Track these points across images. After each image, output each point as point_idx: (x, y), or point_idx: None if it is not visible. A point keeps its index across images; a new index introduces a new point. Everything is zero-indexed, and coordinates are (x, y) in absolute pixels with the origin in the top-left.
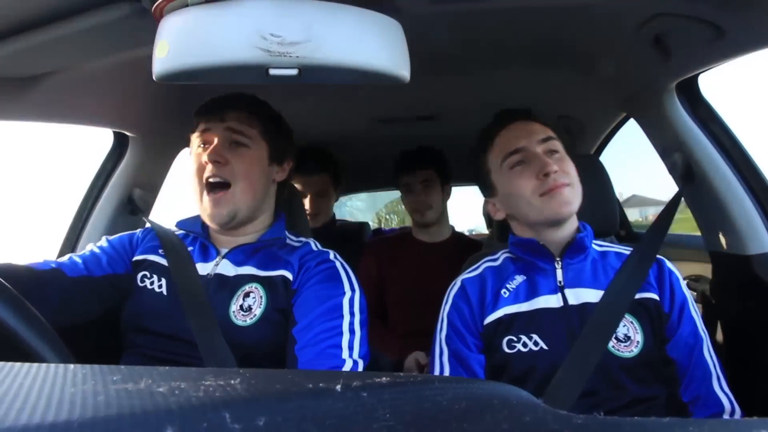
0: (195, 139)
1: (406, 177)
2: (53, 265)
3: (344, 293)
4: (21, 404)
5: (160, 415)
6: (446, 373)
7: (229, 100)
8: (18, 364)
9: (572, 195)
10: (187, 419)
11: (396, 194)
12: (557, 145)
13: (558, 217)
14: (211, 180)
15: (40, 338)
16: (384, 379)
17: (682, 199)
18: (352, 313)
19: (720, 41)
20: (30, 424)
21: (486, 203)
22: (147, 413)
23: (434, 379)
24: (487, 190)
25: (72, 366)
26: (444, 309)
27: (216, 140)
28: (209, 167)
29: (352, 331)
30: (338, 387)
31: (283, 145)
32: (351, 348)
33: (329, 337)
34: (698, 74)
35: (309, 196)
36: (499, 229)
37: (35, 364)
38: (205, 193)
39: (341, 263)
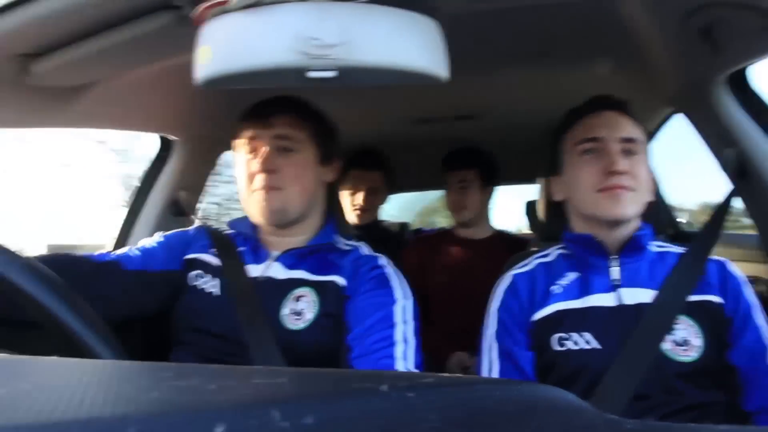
0: (242, 145)
1: (446, 175)
2: (112, 257)
3: (396, 300)
4: (80, 399)
5: (211, 412)
6: (495, 369)
7: (275, 104)
8: (73, 360)
9: (632, 200)
10: (237, 416)
11: (432, 196)
12: (639, 148)
13: (609, 217)
14: (264, 188)
15: (96, 335)
16: (430, 380)
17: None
18: (405, 321)
19: None
20: (91, 417)
21: (548, 183)
22: (198, 410)
23: (481, 381)
24: (555, 168)
25: (125, 362)
26: (493, 304)
27: (265, 148)
28: (260, 176)
29: (405, 341)
30: (384, 387)
31: (331, 145)
32: (405, 358)
33: (383, 347)
34: (749, 65)
35: (362, 192)
36: (544, 230)
37: (90, 360)
38: (258, 192)
39: (393, 269)
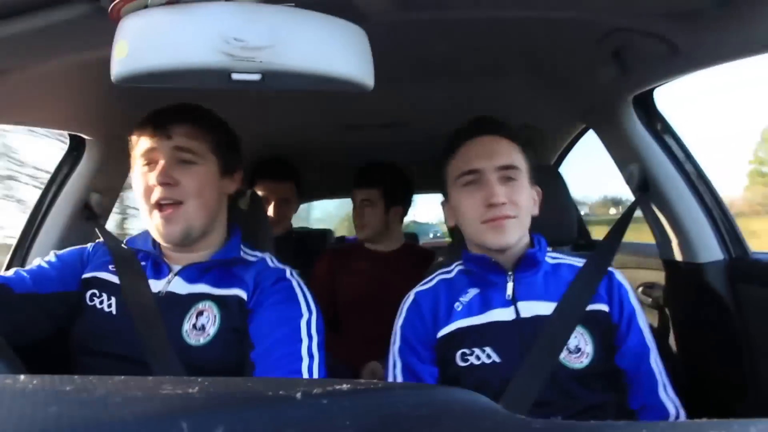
0: (139, 156)
1: (353, 192)
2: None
3: (302, 315)
4: None
5: (115, 426)
6: None
7: (174, 113)
8: None
9: (514, 227)
10: (143, 430)
11: None
12: (516, 173)
13: (495, 247)
14: (162, 202)
15: None
16: (344, 386)
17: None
18: (310, 336)
19: (675, 57)
20: None
21: (443, 207)
22: (101, 424)
23: (395, 386)
24: (445, 196)
25: (23, 376)
26: (397, 322)
27: (162, 161)
28: (158, 189)
29: (311, 356)
30: (298, 394)
31: (233, 155)
32: (311, 373)
33: (289, 363)
34: (654, 88)
35: (273, 202)
36: (460, 239)
37: None
38: (155, 211)
39: (297, 282)
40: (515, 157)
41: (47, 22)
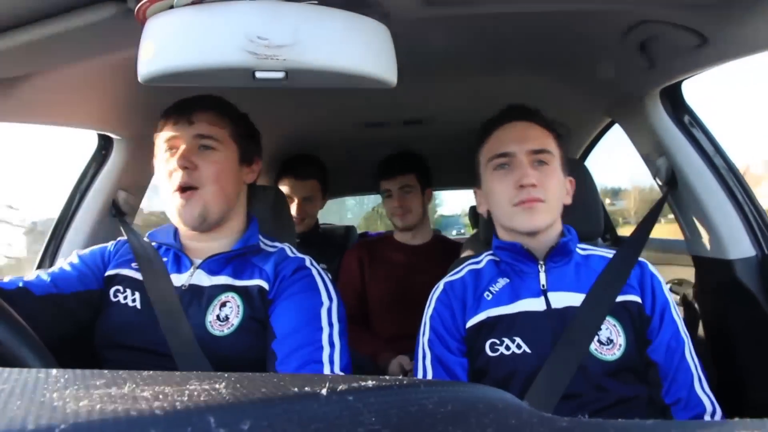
0: (162, 143)
1: (386, 183)
2: (20, 284)
3: (322, 303)
4: (1, 409)
5: (144, 420)
6: (429, 376)
7: (196, 103)
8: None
9: (544, 211)
10: (171, 424)
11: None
12: (549, 157)
13: (525, 229)
14: (182, 186)
15: (24, 344)
16: (370, 382)
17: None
18: (330, 324)
19: (703, 49)
20: (11, 429)
21: (475, 194)
22: (130, 418)
23: (420, 383)
24: (477, 181)
25: (54, 371)
26: (426, 313)
27: (184, 145)
28: (179, 173)
29: (332, 344)
30: (324, 391)
31: (252, 145)
32: (332, 362)
33: (309, 352)
34: (682, 81)
35: (296, 201)
36: (485, 230)
37: (15, 369)
38: (176, 194)
39: (318, 270)
40: (547, 142)
41: (76, 25)
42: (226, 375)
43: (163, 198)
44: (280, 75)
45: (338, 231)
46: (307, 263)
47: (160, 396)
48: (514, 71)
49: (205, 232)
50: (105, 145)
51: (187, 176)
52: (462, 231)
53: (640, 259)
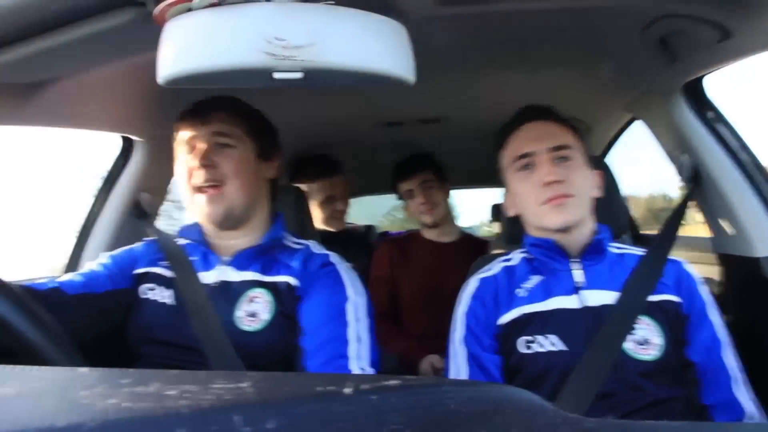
0: (180, 145)
1: (406, 183)
2: (53, 285)
3: (347, 298)
4: (32, 407)
5: (170, 418)
6: (463, 374)
7: (211, 103)
8: (30, 366)
9: (574, 206)
10: (196, 422)
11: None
12: (570, 152)
13: (557, 226)
14: (202, 185)
15: (54, 343)
16: (394, 382)
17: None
18: (357, 319)
19: (726, 42)
20: (41, 427)
21: (504, 199)
22: (157, 416)
23: (444, 382)
24: (504, 185)
25: (86, 369)
26: (458, 310)
27: (202, 144)
28: (199, 172)
29: (358, 339)
30: (348, 390)
31: (269, 141)
32: (359, 357)
33: (336, 347)
34: (704, 75)
35: (319, 200)
36: (509, 230)
37: (46, 368)
38: (197, 194)
39: (343, 266)
40: (566, 137)
41: (97, 30)
42: (250, 374)
43: (184, 198)
44: (298, 75)
45: (359, 230)
46: (333, 259)
47: (186, 394)
48: (532, 68)
49: (231, 230)
50: (127, 147)
51: (208, 174)
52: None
53: (676, 258)
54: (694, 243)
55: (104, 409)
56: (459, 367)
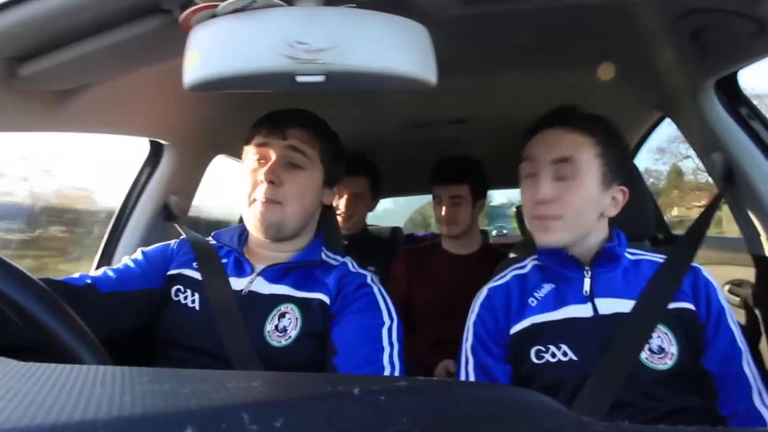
0: (251, 152)
1: (438, 188)
2: (88, 281)
3: (383, 323)
4: (51, 403)
5: (181, 416)
6: None
7: (292, 116)
8: (54, 365)
9: (560, 229)
10: (206, 419)
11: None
12: (573, 168)
13: (541, 245)
14: (264, 200)
15: (81, 342)
16: (402, 383)
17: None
18: (391, 344)
19: (761, 36)
20: (57, 423)
21: None
22: (169, 413)
23: (453, 384)
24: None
25: (104, 367)
26: (470, 319)
27: (274, 157)
28: (263, 187)
29: (392, 364)
30: (356, 390)
31: (338, 168)
32: None
33: (371, 372)
34: (738, 70)
35: (345, 197)
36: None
37: (69, 366)
38: (258, 202)
39: (378, 288)
40: (580, 150)
41: (126, 37)
42: (262, 374)
43: (242, 204)
44: (321, 78)
45: (384, 232)
46: (369, 280)
47: (199, 393)
48: (557, 66)
49: (275, 242)
50: (156, 151)
51: (271, 191)
52: (504, 231)
53: (694, 264)
54: (724, 243)
55: (119, 406)
56: (468, 375)
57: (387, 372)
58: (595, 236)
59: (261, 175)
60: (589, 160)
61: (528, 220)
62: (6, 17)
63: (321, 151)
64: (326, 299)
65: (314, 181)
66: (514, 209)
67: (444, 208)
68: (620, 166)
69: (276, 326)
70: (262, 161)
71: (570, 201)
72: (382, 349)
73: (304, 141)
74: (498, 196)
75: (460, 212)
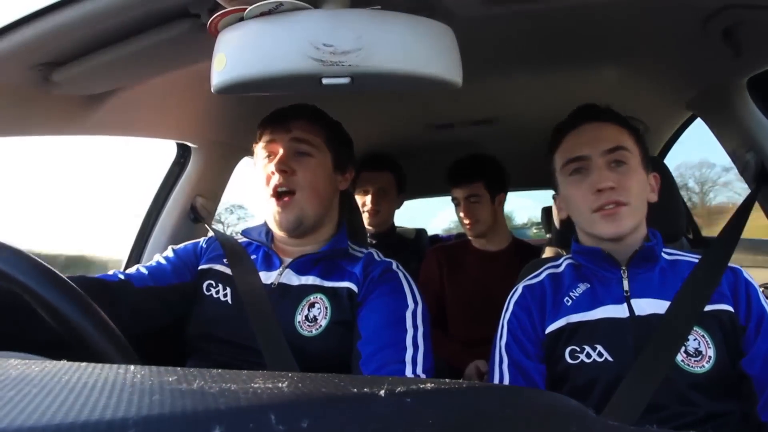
0: (260, 150)
1: (455, 190)
2: (122, 277)
3: (408, 306)
4: (81, 403)
5: (209, 415)
6: (505, 381)
7: (293, 111)
8: (83, 364)
9: (627, 215)
10: (234, 419)
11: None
12: (626, 155)
13: (608, 236)
14: (279, 190)
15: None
16: (429, 385)
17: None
18: (415, 326)
19: None
20: (89, 420)
21: (554, 200)
22: (197, 413)
23: (480, 387)
24: (554, 187)
25: (132, 366)
26: (504, 316)
27: (281, 150)
28: (276, 177)
29: (415, 346)
30: (382, 392)
31: (346, 153)
32: (415, 363)
33: (393, 352)
34: None
35: (371, 193)
36: (559, 235)
37: (99, 365)
38: (273, 200)
39: (404, 274)
40: (623, 139)
41: (155, 41)
42: (289, 374)
43: (261, 203)
44: (346, 80)
45: (408, 233)
46: (394, 267)
47: (226, 393)
48: (586, 65)
49: (299, 237)
50: (183, 153)
51: (284, 180)
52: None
53: (734, 265)
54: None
55: (149, 405)
56: (502, 374)
57: (410, 353)
58: (638, 232)
59: (272, 167)
60: (632, 147)
61: (586, 215)
62: (40, 24)
63: (325, 137)
64: (354, 287)
65: (324, 166)
66: (541, 210)
67: (462, 211)
68: (648, 157)
69: (306, 316)
70: (271, 156)
71: (630, 186)
72: (406, 330)
73: (307, 131)
74: (519, 215)
75: (479, 210)
